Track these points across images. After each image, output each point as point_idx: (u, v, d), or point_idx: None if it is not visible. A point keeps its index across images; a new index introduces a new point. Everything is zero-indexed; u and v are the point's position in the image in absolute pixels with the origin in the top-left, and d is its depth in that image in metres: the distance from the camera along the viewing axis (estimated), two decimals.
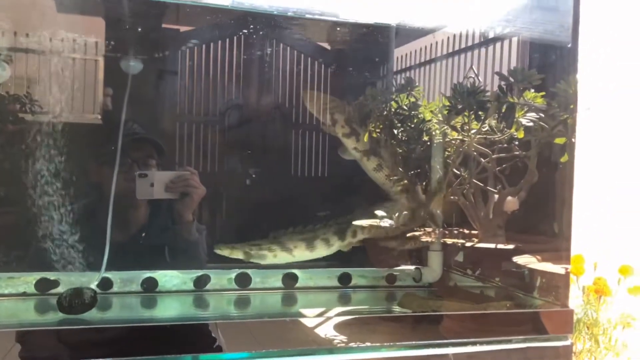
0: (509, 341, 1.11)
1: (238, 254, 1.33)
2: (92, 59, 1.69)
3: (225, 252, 1.37)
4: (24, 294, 1.15)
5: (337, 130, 1.59)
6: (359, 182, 1.99)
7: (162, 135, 1.70)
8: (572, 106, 1.33)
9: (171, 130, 1.79)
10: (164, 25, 1.76)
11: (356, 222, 1.58)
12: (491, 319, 1.20)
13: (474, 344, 1.07)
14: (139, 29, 1.61)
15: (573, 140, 1.32)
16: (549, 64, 1.45)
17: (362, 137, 1.56)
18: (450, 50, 1.97)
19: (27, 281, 1.16)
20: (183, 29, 1.82)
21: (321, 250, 1.44)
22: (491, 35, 1.78)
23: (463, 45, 1.92)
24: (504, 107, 1.39)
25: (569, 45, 1.30)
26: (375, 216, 1.67)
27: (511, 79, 1.39)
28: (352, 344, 1.02)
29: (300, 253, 1.40)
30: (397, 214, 1.92)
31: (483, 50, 1.85)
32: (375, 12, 1.69)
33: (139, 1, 1.57)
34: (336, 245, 1.47)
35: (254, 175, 1.97)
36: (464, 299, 1.29)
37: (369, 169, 1.62)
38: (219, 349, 1.48)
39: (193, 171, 1.60)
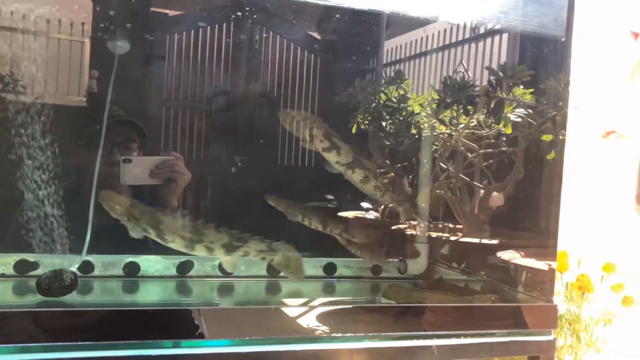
0: (493, 334, 1.11)
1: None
2: (78, 40, 1.66)
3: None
4: (2, 275, 1.13)
5: (316, 146, 1.55)
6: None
7: (147, 119, 1.68)
8: (560, 103, 1.34)
9: (157, 115, 1.76)
10: (152, 9, 1.74)
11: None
12: (475, 312, 1.21)
13: (458, 336, 1.08)
14: (127, 10, 1.59)
15: (562, 137, 1.32)
16: (541, 59, 1.45)
17: (342, 149, 1.53)
18: (441, 43, 1.97)
19: (5, 262, 1.14)
20: (172, 13, 1.80)
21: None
22: (482, 29, 1.78)
23: (454, 40, 1.92)
24: (493, 102, 1.39)
25: (563, 40, 1.30)
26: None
27: (501, 74, 1.39)
28: (336, 334, 1.02)
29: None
30: (382, 207, 1.92)
31: (473, 44, 1.84)
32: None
33: None
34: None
35: (239, 164, 1.95)
36: (449, 291, 1.29)
37: (356, 181, 1.60)
38: (202, 336, 1.47)
39: (178, 156, 1.58)
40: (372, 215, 1.97)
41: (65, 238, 1.09)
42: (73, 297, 1.02)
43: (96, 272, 1.17)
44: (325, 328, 1.10)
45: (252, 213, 1.82)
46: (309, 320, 1.14)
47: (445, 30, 1.92)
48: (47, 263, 1.12)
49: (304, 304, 1.23)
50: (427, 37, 1.98)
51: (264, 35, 1.92)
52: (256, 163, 1.95)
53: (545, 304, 1.24)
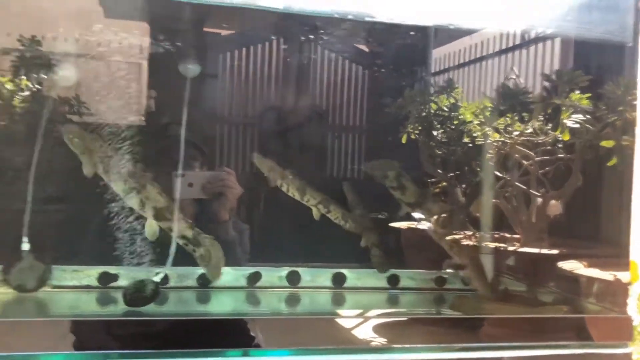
0: (566, 346, 1.09)
1: None
2: (136, 62, 1.72)
3: None
4: (87, 287, 1.20)
5: (387, 183, 1.53)
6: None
7: (203, 136, 1.72)
8: (621, 108, 1.31)
9: (211, 133, 1.81)
10: (205, 29, 1.79)
11: None
12: (547, 323, 1.19)
13: (529, 347, 1.06)
14: (182, 33, 1.64)
15: (626, 143, 1.29)
16: (602, 65, 1.43)
17: (408, 190, 1.51)
18: (490, 51, 1.96)
19: (90, 274, 1.21)
20: (224, 32, 1.85)
21: None
22: (533, 35, 1.76)
23: (503, 47, 1.91)
24: (549, 108, 1.38)
25: (630, 45, 1.27)
26: None
27: (557, 80, 1.37)
28: (402, 345, 1.02)
29: None
30: (435, 217, 1.91)
31: (524, 51, 1.83)
32: (414, 13, 1.68)
33: (183, 5, 1.60)
34: None
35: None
36: (518, 302, 1.27)
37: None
38: (258, 346, 1.50)
39: (230, 171, 1.61)
40: (424, 225, 1.96)
41: (144, 251, 1.13)
42: (151, 307, 1.07)
43: (171, 283, 1.21)
44: (390, 339, 1.10)
45: (304, 227, 1.84)
46: (370, 331, 1.14)
47: (495, 38, 1.91)
48: (127, 275, 1.18)
49: (368, 316, 1.24)
50: (476, 45, 1.98)
51: (313, 53, 1.95)
52: (307, 176, 1.98)
53: (620, 315, 1.21)
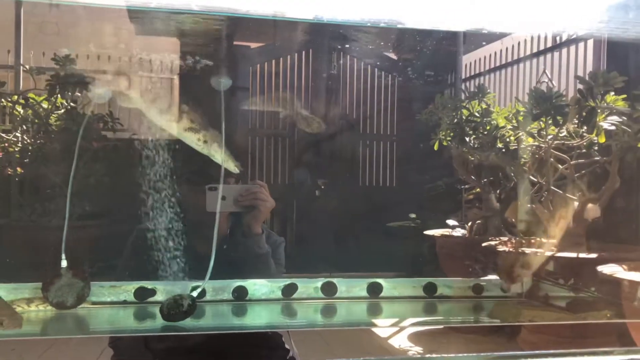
0: (611, 352, 1.06)
1: None
2: (168, 78, 1.75)
3: None
4: (124, 302, 1.22)
5: None
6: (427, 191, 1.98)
7: (236, 149, 1.74)
8: None
9: (244, 144, 1.83)
10: (235, 42, 1.81)
11: None
12: (590, 329, 1.16)
13: (573, 355, 1.04)
14: (213, 47, 1.66)
15: None
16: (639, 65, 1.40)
17: None
18: (523, 54, 1.94)
19: (127, 290, 1.23)
20: (253, 45, 1.87)
21: None
22: (565, 37, 1.73)
23: (534, 50, 1.89)
24: (584, 111, 1.35)
25: None
26: None
27: (592, 82, 1.34)
28: (445, 354, 1.00)
29: None
30: (470, 223, 1.89)
31: (556, 54, 1.80)
32: (442, 19, 1.67)
33: (211, 19, 1.62)
34: None
35: (322, 187, 1.99)
36: (559, 309, 1.24)
37: None
38: (292, 359, 1.49)
39: (262, 184, 1.61)
40: (459, 232, 1.94)
41: (180, 266, 1.15)
42: (188, 321, 1.08)
43: (207, 297, 1.22)
44: (427, 348, 1.09)
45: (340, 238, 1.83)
46: (408, 341, 1.13)
47: (525, 41, 1.89)
48: (163, 289, 1.19)
49: (405, 325, 1.23)
50: (507, 49, 1.96)
51: (341, 60, 1.95)
52: (339, 185, 1.99)
53: None
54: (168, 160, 1.23)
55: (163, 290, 1.18)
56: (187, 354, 1.34)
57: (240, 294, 1.23)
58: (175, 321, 1.07)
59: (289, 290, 1.27)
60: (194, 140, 1.32)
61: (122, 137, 1.56)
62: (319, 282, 1.27)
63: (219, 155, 1.33)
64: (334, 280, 1.26)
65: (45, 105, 1.56)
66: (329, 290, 1.28)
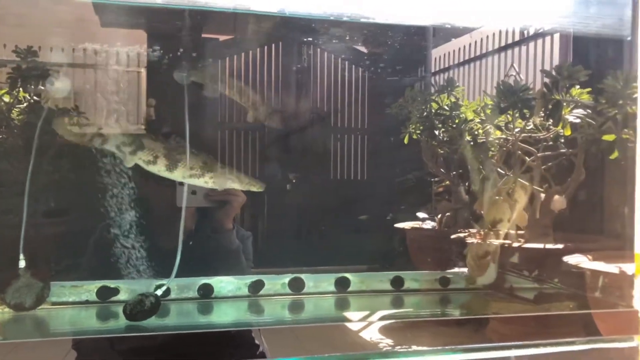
0: (573, 343, 1.08)
1: None
2: (135, 71, 1.72)
3: None
4: (87, 302, 1.19)
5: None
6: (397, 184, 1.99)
7: (204, 143, 1.72)
8: (621, 101, 1.30)
9: (213, 138, 1.81)
10: (204, 35, 1.79)
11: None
12: (553, 320, 1.18)
13: (536, 346, 1.05)
14: (180, 39, 1.64)
15: (626, 136, 1.28)
16: (603, 59, 1.42)
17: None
18: (490, 49, 1.95)
19: (89, 289, 1.20)
20: (222, 37, 1.84)
21: None
22: (532, 32, 1.75)
23: (502, 44, 1.90)
24: (550, 104, 1.37)
25: (629, 39, 1.27)
26: None
27: (557, 75, 1.36)
28: (409, 348, 1.01)
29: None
30: (439, 216, 1.90)
31: (523, 48, 1.82)
32: (412, 13, 1.68)
33: (180, 12, 1.60)
34: None
35: (293, 181, 1.98)
36: (523, 300, 1.26)
37: None
38: (262, 355, 1.49)
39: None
40: (429, 225, 1.95)
41: (144, 264, 1.13)
42: (153, 320, 1.06)
43: (172, 295, 1.20)
44: (396, 342, 1.10)
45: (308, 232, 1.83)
46: (378, 335, 1.13)
47: (494, 35, 1.91)
48: (127, 288, 1.17)
49: (371, 319, 1.23)
50: (476, 42, 1.97)
51: (311, 56, 1.94)
52: (310, 179, 1.98)
53: (626, 310, 1.20)
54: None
55: (127, 289, 1.16)
56: (154, 354, 1.32)
57: (206, 291, 1.22)
58: (139, 321, 1.05)
59: (256, 286, 1.26)
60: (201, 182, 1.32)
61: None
62: (287, 278, 1.27)
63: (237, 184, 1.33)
64: (302, 275, 1.26)
65: (6, 99, 1.52)
66: (296, 286, 1.28)
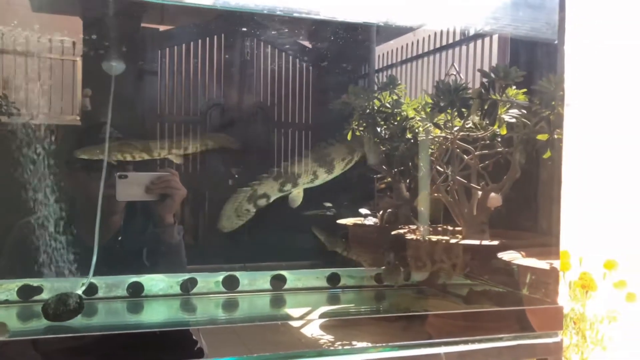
0: (500, 339, 1.11)
1: None
2: (70, 60, 1.66)
3: None
4: (6, 302, 1.13)
5: None
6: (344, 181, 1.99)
7: (142, 136, 1.67)
8: (553, 102, 1.34)
9: (152, 131, 1.76)
10: (143, 25, 1.74)
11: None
12: (482, 317, 1.20)
13: (465, 342, 1.07)
14: (118, 29, 1.59)
15: (558, 136, 1.33)
16: (534, 61, 1.46)
17: None
18: (432, 47, 1.98)
19: (9, 288, 1.14)
20: (163, 28, 1.80)
21: None
22: (472, 32, 1.78)
23: (444, 43, 1.93)
24: (487, 104, 1.40)
25: (555, 42, 1.30)
26: None
27: (493, 76, 1.39)
28: (342, 346, 1.01)
29: None
30: (381, 212, 1.91)
31: (464, 48, 1.85)
32: (357, 10, 1.68)
33: (118, 0, 1.55)
34: None
35: (236, 176, 1.95)
36: (455, 297, 1.28)
37: None
38: (200, 352, 1.46)
39: (174, 172, 1.57)
40: (371, 221, 1.96)
41: (68, 261, 1.08)
42: (78, 320, 1.02)
43: (100, 294, 1.16)
44: (331, 339, 1.10)
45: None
46: (314, 332, 1.13)
47: (435, 34, 1.93)
48: (51, 287, 1.12)
49: (309, 316, 1.23)
50: (418, 41, 1.99)
51: (256, 47, 1.92)
52: (254, 174, 1.95)
53: (551, 306, 1.24)
54: (61, 146, 1.17)
55: (50, 288, 1.11)
56: (80, 355, 1.28)
57: (136, 290, 1.18)
58: (62, 321, 1.01)
59: (188, 285, 1.23)
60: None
61: (18, 121, 1.47)
62: (220, 276, 1.24)
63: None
64: (236, 273, 1.24)
65: None
66: (230, 283, 1.26)
